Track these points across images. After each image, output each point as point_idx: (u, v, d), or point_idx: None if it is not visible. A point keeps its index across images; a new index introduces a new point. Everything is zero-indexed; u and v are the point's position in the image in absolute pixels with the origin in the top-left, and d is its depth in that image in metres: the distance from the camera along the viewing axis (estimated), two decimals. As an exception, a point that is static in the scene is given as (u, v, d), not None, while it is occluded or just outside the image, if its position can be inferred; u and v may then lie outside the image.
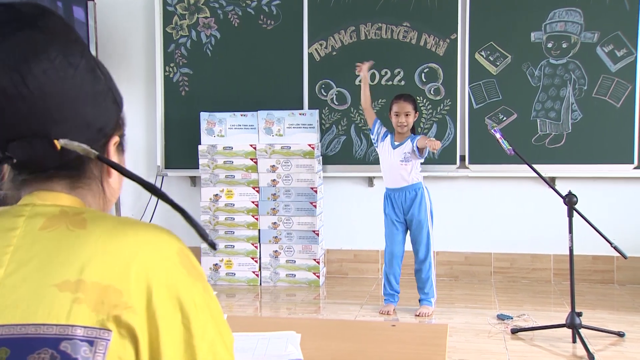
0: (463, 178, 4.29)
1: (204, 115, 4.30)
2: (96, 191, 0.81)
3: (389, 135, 3.50)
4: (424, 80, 4.27)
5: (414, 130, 3.60)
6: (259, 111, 4.25)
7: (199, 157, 4.25)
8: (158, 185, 4.42)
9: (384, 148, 3.42)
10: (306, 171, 4.15)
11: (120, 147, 0.83)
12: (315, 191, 4.14)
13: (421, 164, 3.55)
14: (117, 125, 0.81)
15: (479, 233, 4.32)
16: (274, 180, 4.20)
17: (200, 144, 4.27)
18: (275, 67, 4.38)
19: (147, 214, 4.50)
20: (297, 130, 4.20)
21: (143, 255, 0.72)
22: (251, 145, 4.23)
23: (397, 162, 3.38)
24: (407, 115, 3.41)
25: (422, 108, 4.26)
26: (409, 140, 3.44)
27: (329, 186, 4.42)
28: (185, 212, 0.73)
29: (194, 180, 4.56)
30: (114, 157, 0.80)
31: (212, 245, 0.74)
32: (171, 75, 4.48)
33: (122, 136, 0.82)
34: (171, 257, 0.74)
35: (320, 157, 4.31)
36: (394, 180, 3.41)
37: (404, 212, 3.41)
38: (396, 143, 3.45)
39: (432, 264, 3.42)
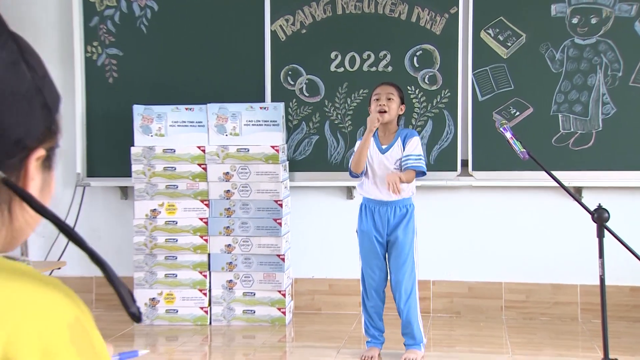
0: (465, 188, 4.26)
1: (137, 109, 4.22)
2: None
3: (372, 138, 3.40)
4: (417, 65, 4.22)
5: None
6: (208, 104, 4.18)
7: (132, 162, 4.19)
8: (78, 200, 4.39)
9: (369, 153, 3.34)
10: (269, 180, 4.09)
11: (47, 163, 0.79)
12: (281, 205, 4.08)
13: None
14: (45, 135, 0.77)
15: (485, 257, 4.30)
16: (228, 191, 4.13)
17: (133, 145, 4.20)
18: (229, 48, 4.33)
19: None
20: (258, 128, 4.14)
21: (14, 323, 0.66)
22: (199, 148, 4.15)
23: (388, 170, 3.32)
24: (389, 99, 3.31)
25: (414, 100, 4.22)
26: (399, 139, 3.35)
27: (297, 199, 4.39)
28: (105, 266, 0.70)
29: (125, 192, 4.52)
30: (35, 175, 0.76)
31: (135, 317, 0.71)
32: (94, 58, 4.42)
33: (51, 149, 0.78)
34: (58, 331, 0.68)
35: (287, 163, 4.27)
36: (383, 192, 3.33)
37: (388, 232, 3.34)
38: (384, 146, 3.37)
39: (416, 300, 3.36)
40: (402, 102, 3.39)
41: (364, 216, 3.39)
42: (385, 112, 3.26)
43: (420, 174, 3.32)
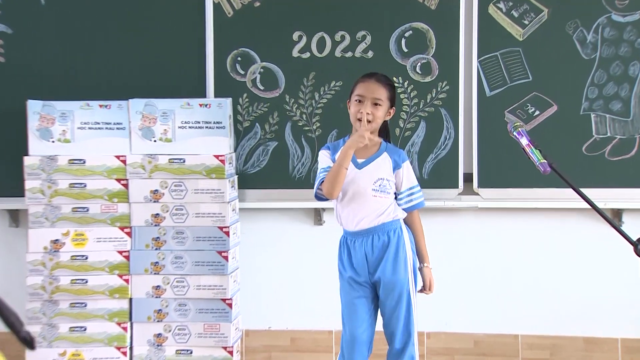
0: (469, 211, 4.24)
1: (33, 106, 4.09)
2: None
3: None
4: (406, 50, 4.15)
5: (387, 136, 3.42)
6: (131, 100, 4.07)
7: (25, 177, 4.07)
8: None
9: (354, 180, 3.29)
10: (211, 200, 4.00)
11: None
12: (227, 233, 4.01)
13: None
14: None
15: (496, 302, 4.30)
16: (157, 215, 4.02)
17: (26, 154, 4.08)
18: (158, 26, 4.27)
19: None
20: (197, 132, 4.05)
21: None
22: (118, 158, 4.04)
23: (366, 191, 3.26)
24: (375, 104, 3.23)
25: (402, 96, 4.15)
26: (385, 154, 3.29)
27: (249, 225, 4.33)
28: None
29: (16, 217, 4.43)
30: None
31: (27, 342, 0.78)
32: (-29, 36, 4.35)
33: None
34: None
35: (235, 178, 4.18)
36: (359, 218, 3.26)
37: (370, 270, 3.29)
38: (360, 160, 3.27)
39: (415, 356, 3.34)
40: (392, 104, 3.29)
41: (342, 253, 3.36)
42: (368, 122, 3.18)
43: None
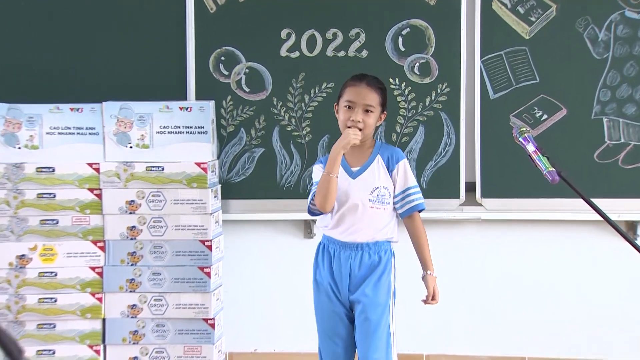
0: (472, 223, 4.24)
1: None
2: None
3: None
4: (403, 49, 4.14)
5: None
6: (105, 103, 4.05)
7: None
8: None
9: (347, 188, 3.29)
10: (192, 211, 3.99)
11: None
12: (210, 247, 3.99)
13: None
14: None
15: (501, 323, 4.30)
16: (134, 228, 4.01)
17: None
18: (135, 22, 4.26)
19: None
20: (176, 137, 4.03)
21: None
22: (91, 166, 4.03)
23: (363, 203, 3.24)
24: (367, 111, 3.19)
25: (399, 99, 4.14)
26: (378, 157, 3.25)
27: (234, 238, 4.32)
28: None
29: None
30: None
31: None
32: None
33: None
34: None
35: (219, 187, 4.15)
36: (353, 230, 3.24)
37: (351, 287, 3.24)
38: (354, 168, 3.24)
39: None
40: (383, 109, 3.24)
41: (320, 260, 3.30)
42: (359, 129, 3.16)
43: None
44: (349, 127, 3.17)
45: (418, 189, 3.30)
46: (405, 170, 3.27)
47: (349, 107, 3.14)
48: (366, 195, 3.19)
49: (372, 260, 3.23)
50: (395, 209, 3.31)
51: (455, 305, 4.20)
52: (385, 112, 3.26)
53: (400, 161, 3.26)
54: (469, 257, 4.24)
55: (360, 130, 3.17)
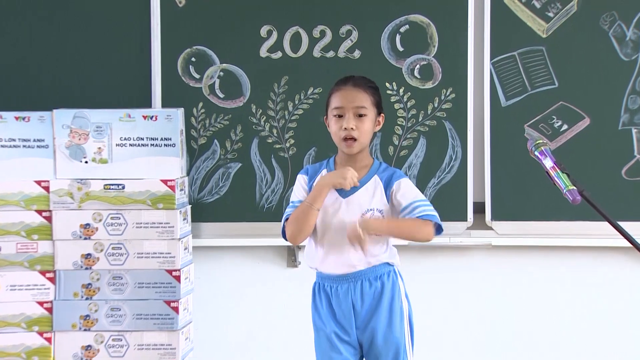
0: (481, 249, 4.22)
1: None
2: None
3: (325, 170, 3.27)
4: (401, 49, 4.13)
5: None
6: (55, 111, 4.03)
7: None
8: None
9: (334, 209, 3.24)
10: (158, 236, 3.96)
11: None
12: (178, 279, 3.95)
13: None
14: None
15: None
16: (89, 256, 3.96)
17: None
18: (91, 20, 4.23)
19: None
20: (139, 150, 4.02)
21: None
22: (39, 183, 4.01)
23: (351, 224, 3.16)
24: (360, 116, 3.13)
25: (396, 106, 4.13)
26: (376, 177, 3.20)
27: (206, 267, 4.30)
28: None
29: None
30: None
31: None
32: None
33: None
34: None
35: (188, 208, 4.12)
36: (341, 260, 3.18)
37: (358, 324, 3.19)
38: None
39: None
40: (380, 111, 3.19)
41: (319, 302, 3.24)
42: (354, 139, 3.10)
43: (437, 229, 3.21)
44: (344, 139, 3.09)
45: (428, 202, 3.25)
46: (407, 186, 3.24)
47: (339, 116, 3.09)
48: (357, 218, 3.10)
49: (374, 289, 3.18)
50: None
51: (462, 344, 4.19)
52: (382, 114, 3.20)
53: (399, 179, 3.23)
54: (477, 288, 4.21)
55: (355, 139, 3.10)
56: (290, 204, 3.21)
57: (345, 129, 3.12)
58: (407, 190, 3.22)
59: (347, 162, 3.19)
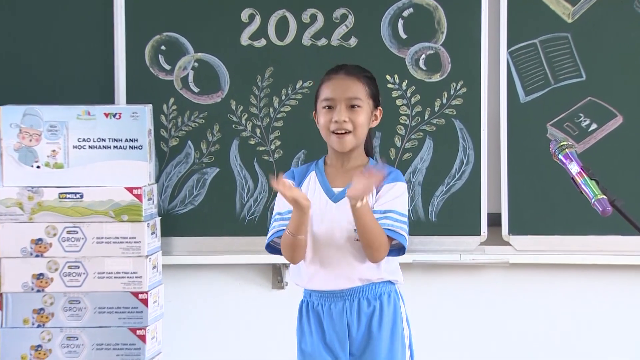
0: (496, 267, 4.21)
1: None
2: None
3: (313, 172, 3.24)
4: (404, 36, 4.13)
5: (371, 153, 3.34)
6: (2, 107, 4.02)
7: None
8: None
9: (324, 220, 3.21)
10: (122, 253, 3.94)
11: None
12: (145, 302, 3.93)
13: None
14: None
15: None
16: (42, 277, 3.92)
17: None
18: (44, 2, 4.22)
19: None
20: (100, 153, 4.01)
21: None
22: None
23: (345, 233, 3.15)
24: (352, 107, 3.09)
25: (398, 102, 4.11)
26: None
27: (178, 289, 4.29)
28: None
29: None
30: None
31: None
32: None
33: None
34: None
35: (157, 220, 4.11)
36: (336, 272, 3.12)
37: (352, 351, 3.15)
38: (337, 189, 3.18)
39: None
40: (377, 103, 3.13)
41: (306, 324, 3.16)
42: (347, 132, 3.06)
43: (396, 250, 3.15)
44: (334, 133, 3.04)
45: (405, 221, 3.19)
46: (397, 191, 3.17)
47: (329, 107, 3.05)
48: (350, 224, 3.06)
49: (372, 309, 3.13)
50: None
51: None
52: (379, 108, 3.14)
53: (397, 182, 3.17)
54: (492, 313, 4.22)
55: (349, 132, 3.04)
56: (276, 216, 3.14)
57: (336, 121, 3.08)
58: (395, 196, 3.17)
59: (339, 162, 3.16)
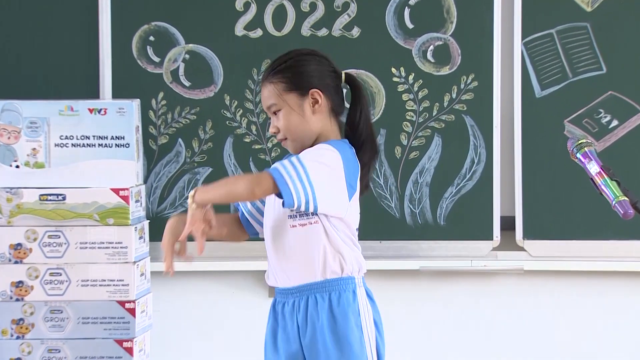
0: (510, 275, 4.22)
1: None
2: None
3: None
4: (410, 26, 4.14)
5: (372, 145, 3.19)
6: None
7: None
8: None
9: (261, 203, 3.19)
10: (108, 260, 3.93)
11: None
12: (133, 312, 3.93)
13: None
14: None
15: None
16: (21, 284, 3.94)
17: None
18: None
19: None
20: (84, 152, 4.00)
21: None
22: None
23: (283, 221, 3.09)
24: (275, 112, 3.06)
25: (404, 97, 4.12)
26: None
27: (168, 298, 4.30)
28: None
29: None
30: None
31: None
32: None
33: None
34: None
35: (146, 224, 4.11)
36: (283, 264, 3.09)
37: (308, 354, 3.09)
38: None
39: None
40: (308, 89, 3.00)
41: (268, 324, 3.15)
42: (284, 139, 3.03)
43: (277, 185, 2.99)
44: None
45: (296, 165, 2.96)
46: (314, 149, 3.07)
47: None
48: (285, 211, 3.03)
49: (320, 309, 3.02)
50: (342, 228, 3.02)
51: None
52: (313, 89, 3.01)
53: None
54: (505, 323, 4.22)
55: (284, 140, 3.01)
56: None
57: (270, 128, 3.10)
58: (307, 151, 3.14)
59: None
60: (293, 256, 3.04)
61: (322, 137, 3.07)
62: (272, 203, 3.12)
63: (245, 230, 3.21)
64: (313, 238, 3.03)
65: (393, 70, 4.04)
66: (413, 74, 4.07)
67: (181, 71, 4.14)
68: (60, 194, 3.90)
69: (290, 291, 3.07)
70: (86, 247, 3.86)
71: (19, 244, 3.87)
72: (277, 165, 2.99)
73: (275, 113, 3.02)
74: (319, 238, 3.03)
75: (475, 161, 4.08)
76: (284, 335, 3.09)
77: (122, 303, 3.88)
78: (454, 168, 4.08)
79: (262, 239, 3.16)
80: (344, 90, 3.13)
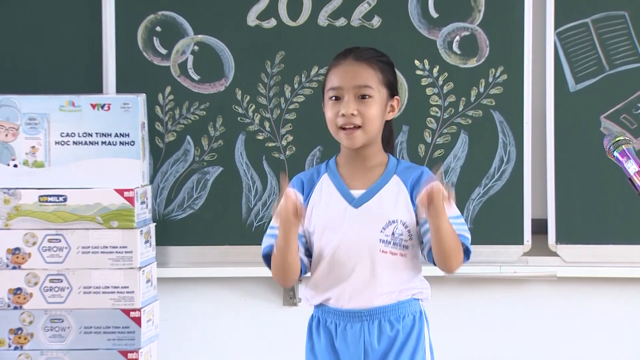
0: (542, 282, 4.24)
1: None
2: None
3: (325, 175, 3.18)
4: (435, 15, 4.18)
5: (391, 149, 3.25)
6: None
7: None
8: None
9: (321, 206, 3.13)
10: (111, 265, 3.97)
11: None
12: (138, 321, 3.94)
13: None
14: None
15: None
16: (19, 292, 3.97)
17: None
18: None
19: None
20: (87, 150, 4.04)
21: None
22: None
23: (370, 244, 3.09)
24: (363, 96, 3.05)
25: (428, 91, 4.15)
26: (396, 178, 3.15)
27: (175, 306, 4.32)
28: None
29: None
30: None
31: None
32: None
33: None
34: None
35: (152, 227, 4.14)
36: (357, 289, 3.07)
37: None
38: (356, 192, 3.13)
39: None
40: (393, 92, 3.10)
41: (317, 343, 3.12)
42: (356, 127, 3.02)
43: (464, 255, 3.11)
44: (341, 129, 3.03)
45: (462, 220, 3.12)
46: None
47: (336, 98, 3.03)
48: (376, 233, 3.04)
49: (396, 331, 3.08)
50: (421, 254, 3.13)
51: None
52: (397, 96, 3.10)
53: (427, 177, 3.10)
54: (537, 332, 4.23)
55: (359, 127, 3.03)
56: (269, 230, 3.12)
57: (344, 115, 3.06)
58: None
59: (354, 161, 3.13)
60: (380, 279, 3.06)
61: (377, 142, 3.13)
62: (353, 225, 3.08)
63: (301, 269, 3.16)
64: (402, 266, 3.07)
65: (416, 62, 4.04)
66: (438, 67, 4.09)
67: (190, 64, 4.15)
68: (61, 195, 3.90)
69: (354, 313, 3.10)
70: (88, 252, 3.87)
71: (17, 249, 3.88)
72: (466, 235, 3.02)
73: (363, 97, 3.04)
74: (407, 267, 3.08)
75: (505, 160, 4.10)
76: (343, 354, 3.07)
77: (126, 311, 3.90)
78: (482, 167, 4.10)
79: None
80: None
